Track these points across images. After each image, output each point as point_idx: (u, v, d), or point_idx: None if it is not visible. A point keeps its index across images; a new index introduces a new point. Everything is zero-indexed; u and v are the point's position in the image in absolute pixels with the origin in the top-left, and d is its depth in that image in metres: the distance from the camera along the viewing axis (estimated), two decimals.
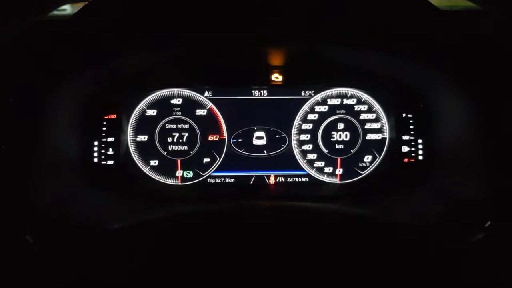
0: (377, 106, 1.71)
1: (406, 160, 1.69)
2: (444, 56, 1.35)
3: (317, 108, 1.71)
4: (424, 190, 1.56)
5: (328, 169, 1.74)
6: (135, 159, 1.70)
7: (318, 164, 1.74)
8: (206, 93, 1.70)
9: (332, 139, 1.72)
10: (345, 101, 1.71)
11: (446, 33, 1.29)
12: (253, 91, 1.70)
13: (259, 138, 1.72)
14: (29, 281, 1.16)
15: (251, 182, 1.74)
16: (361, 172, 1.74)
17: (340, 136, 1.72)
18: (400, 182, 1.66)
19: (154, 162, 1.71)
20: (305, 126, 1.72)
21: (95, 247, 1.27)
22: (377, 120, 1.71)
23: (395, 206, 1.49)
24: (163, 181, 1.72)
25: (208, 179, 1.74)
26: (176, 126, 1.70)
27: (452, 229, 1.31)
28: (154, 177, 1.72)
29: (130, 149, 1.70)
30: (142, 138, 1.70)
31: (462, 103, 1.42)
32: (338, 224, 1.35)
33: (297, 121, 1.72)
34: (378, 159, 1.73)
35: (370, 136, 1.72)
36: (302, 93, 1.71)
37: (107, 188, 1.57)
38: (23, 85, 1.27)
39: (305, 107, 1.71)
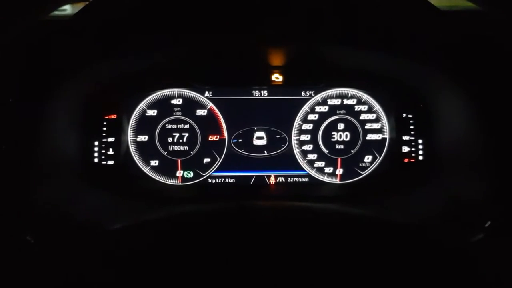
0: (377, 106, 1.71)
1: (406, 160, 1.69)
2: (444, 56, 1.35)
3: (317, 108, 1.71)
4: (424, 190, 1.56)
5: (328, 169, 1.74)
6: (135, 159, 1.70)
7: (319, 164, 1.74)
8: (206, 93, 1.70)
9: (332, 139, 1.72)
10: (345, 101, 1.71)
11: (446, 33, 1.29)
12: (253, 91, 1.70)
13: (260, 138, 1.72)
14: (29, 281, 1.16)
15: (252, 182, 1.74)
16: (361, 172, 1.74)
17: (340, 136, 1.72)
18: (400, 182, 1.66)
19: (154, 162, 1.71)
20: (306, 126, 1.72)
21: (95, 247, 1.27)
22: (377, 120, 1.71)
23: (395, 206, 1.49)
24: (163, 181, 1.72)
25: (209, 179, 1.74)
26: (177, 126, 1.70)
27: (452, 229, 1.31)
28: (155, 177, 1.72)
29: (131, 149, 1.70)
30: (143, 138, 1.70)
31: (462, 103, 1.42)
32: (338, 224, 1.35)
33: (297, 121, 1.72)
34: (379, 159, 1.73)
35: (370, 136, 1.72)
36: (303, 93, 1.71)
37: (107, 188, 1.57)
38: (24, 85, 1.27)
39: (306, 107, 1.71)
